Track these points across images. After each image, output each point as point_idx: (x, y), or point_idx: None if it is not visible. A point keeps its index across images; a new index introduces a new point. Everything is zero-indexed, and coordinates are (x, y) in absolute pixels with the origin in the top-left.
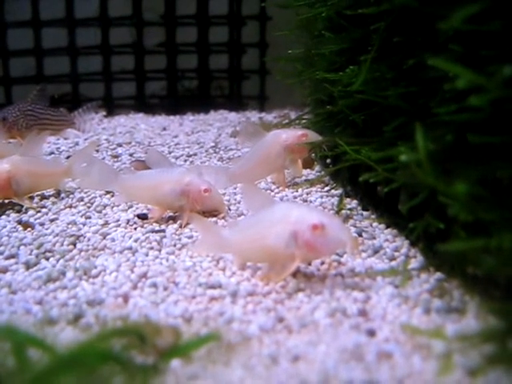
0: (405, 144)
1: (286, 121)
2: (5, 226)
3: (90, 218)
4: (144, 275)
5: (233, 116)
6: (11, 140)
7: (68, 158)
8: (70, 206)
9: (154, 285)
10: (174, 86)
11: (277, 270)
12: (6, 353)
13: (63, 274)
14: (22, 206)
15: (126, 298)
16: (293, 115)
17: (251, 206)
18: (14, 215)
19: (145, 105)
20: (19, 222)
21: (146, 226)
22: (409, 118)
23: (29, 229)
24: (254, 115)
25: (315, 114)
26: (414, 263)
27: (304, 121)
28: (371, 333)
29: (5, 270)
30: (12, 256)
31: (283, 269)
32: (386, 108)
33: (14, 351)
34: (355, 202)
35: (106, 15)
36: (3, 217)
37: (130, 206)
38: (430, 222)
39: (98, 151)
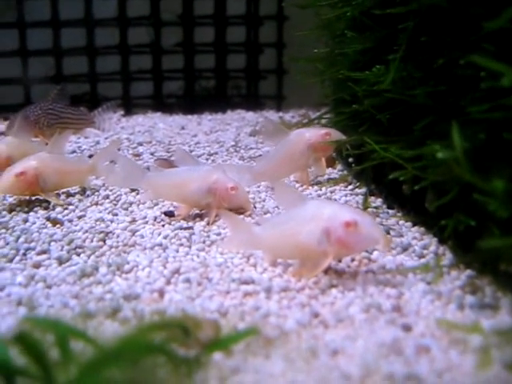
0: (435, 142)
1: (306, 120)
2: (34, 223)
3: (116, 215)
4: (177, 271)
5: (250, 115)
6: (33, 139)
7: (90, 156)
8: (96, 204)
9: (188, 280)
10: (192, 85)
11: (308, 267)
12: (50, 345)
13: (96, 269)
14: (50, 203)
15: (161, 292)
16: (310, 115)
17: (282, 203)
18: (42, 212)
19: (162, 104)
20: (48, 219)
21: (173, 223)
22: (437, 117)
23: (58, 225)
24: (271, 115)
25: (337, 113)
26: (443, 260)
27: (324, 120)
28: (407, 328)
29: (38, 265)
30: (43, 252)
31: (315, 265)
32: (413, 107)
33: (57, 343)
34: (380, 200)
35: (125, 15)
36: (31, 213)
37: (156, 204)
38: (460, 220)
39: (119, 150)
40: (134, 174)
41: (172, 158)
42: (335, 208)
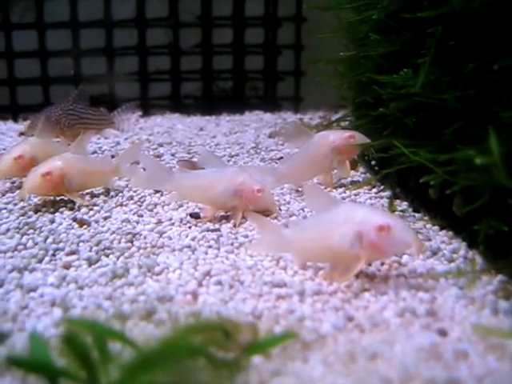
0: (467, 147)
1: (326, 122)
2: (61, 223)
3: (142, 216)
4: (208, 273)
5: (268, 117)
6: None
7: (112, 157)
8: (121, 205)
9: (220, 283)
10: (210, 86)
11: (339, 270)
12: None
13: (127, 270)
14: (75, 204)
15: (194, 295)
16: (330, 117)
17: (314, 206)
18: (67, 212)
19: (180, 105)
20: (74, 220)
21: (199, 224)
22: (468, 122)
23: (85, 226)
24: (289, 116)
25: (358, 116)
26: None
27: (346, 122)
28: (443, 333)
29: (68, 266)
30: (72, 252)
31: (348, 269)
32: (441, 111)
33: (96, 344)
34: (405, 203)
35: (143, 16)
36: (57, 214)
37: (181, 205)
38: (491, 225)
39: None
40: (160, 175)
41: (194, 159)
42: (368, 212)
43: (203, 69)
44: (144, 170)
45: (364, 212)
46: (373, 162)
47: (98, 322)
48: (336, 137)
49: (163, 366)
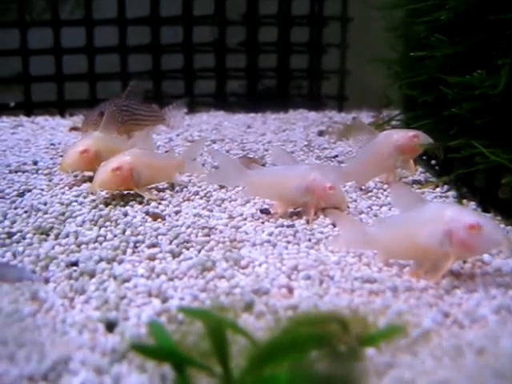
0: None
1: (380, 121)
2: (134, 217)
3: (211, 211)
4: (295, 268)
5: (313, 115)
6: None
7: (166, 152)
8: (188, 199)
9: (309, 277)
10: (254, 84)
11: (426, 268)
12: (200, 337)
13: (214, 263)
14: (143, 198)
15: (289, 288)
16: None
17: (400, 204)
18: (138, 206)
19: (224, 103)
20: (147, 213)
21: (271, 220)
22: None
23: (159, 219)
24: (334, 115)
25: (415, 116)
26: None
27: (397, 122)
28: None
29: (153, 258)
30: (153, 245)
31: (437, 267)
32: None
33: (211, 334)
34: (473, 203)
35: (190, 14)
36: (128, 207)
37: (248, 201)
38: None
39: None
40: (237, 171)
41: (249, 156)
42: (457, 210)
43: (248, 67)
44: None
45: (453, 211)
46: (432, 162)
47: (212, 313)
48: (400, 136)
49: (291, 355)
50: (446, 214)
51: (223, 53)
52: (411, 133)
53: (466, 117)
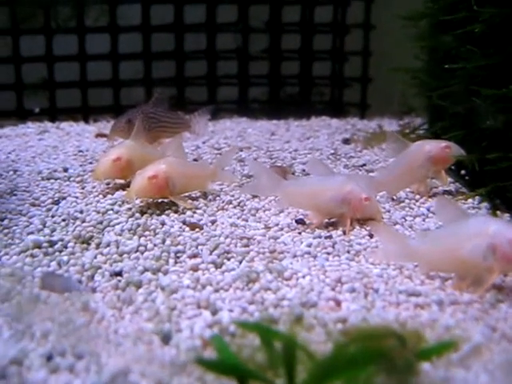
0: None
1: (408, 130)
2: (172, 226)
3: (247, 220)
4: (339, 280)
5: (335, 122)
6: None
7: (195, 160)
8: (222, 209)
9: (353, 290)
10: (277, 91)
11: (469, 281)
12: (255, 349)
13: (258, 274)
14: (178, 207)
15: (337, 301)
16: (386, 124)
17: (444, 217)
18: (174, 215)
19: (247, 109)
20: (184, 223)
21: (307, 231)
22: None
23: (197, 229)
24: (356, 122)
25: (445, 127)
26: None
27: (423, 131)
28: None
29: (196, 269)
30: (194, 255)
31: (481, 280)
32: None
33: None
34: (507, 215)
35: (213, 21)
36: (164, 216)
37: (282, 211)
38: None
39: (220, 155)
40: (273, 182)
41: (278, 164)
42: (501, 225)
43: (271, 74)
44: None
45: (498, 225)
46: (462, 172)
47: (268, 326)
48: (432, 147)
49: (351, 370)
50: (490, 227)
51: (246, 60)
52: (443, 143)
53: (498, 129)
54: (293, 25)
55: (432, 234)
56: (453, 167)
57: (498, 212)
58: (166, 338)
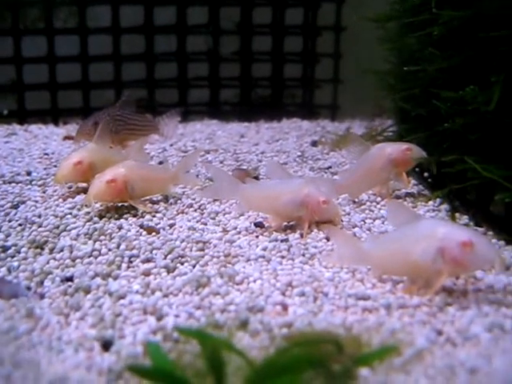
0: None
1: (374, 133)
2: (129, 230)
3: (206, 224)
4: (289, 284)
5: (306, 124)
6: None
7: (161, 163)
8: (182, 212)
9: (303, 294)
10: (248, 93)
11: (419, 284)
12: (195, 356)
13: (208, 279)
14: (138, 210)
15: (284, 305)
16: (356, 126)
17: (395, 221)
18: (132, 219)
19: (218, 111)
20: (141, 226)
21: (265, 234)
22: None
23: (153, 233)
24: (327, 124)
25: (408, 129)
26: None
27: (390, 133)
28: None
29: (148, 273)
30: (148, 260)
31: (430, 283)
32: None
33: (210, 354)
34: (466, 217)
35: (184, 23)
36: (122, 220)
37: (242, 214)
38: None
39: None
40: (229, 185)
41: (243, 167)
42: (451, 228)
43: (242, 76)
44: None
45: (447, 228)
46: (425, 174)
47: (207, 332)
48: (393, 149)
49: (287, 376)
50: (440, 230)
51: (217, 62)
52: (404, 146)
53: (458, 131)
54: (264, 27)
55: (383, 237)
56: (417, 169)
57: (458, 214)
58: (106, 345)
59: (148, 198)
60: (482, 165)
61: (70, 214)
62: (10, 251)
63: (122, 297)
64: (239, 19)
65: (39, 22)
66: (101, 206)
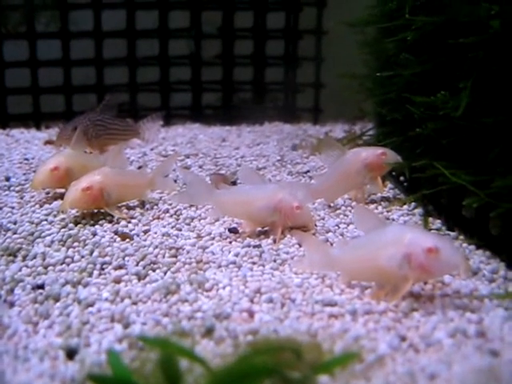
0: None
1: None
2: (103, 236)
3: (181, 230)
4: (258, 290)
5: (288, 128)
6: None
7: (140, 168)
8: (158, 218)
9: (271, 300)
10: (230, 97)
11: (386, 290)
12: (154, 363)
13: (178, 286)
14: (113, 216)
15: (251, 312)
16: (356, 131)
17: (362, 226)
18: (107, 225)
19: (200, 115)
20: (116, 233)
21: (239, 240)
22: (508, 145)
23: (127, 239)
24: (309, 128)
25: (385, 133)
26: None
27: (369, 137)
28: (495, 354)
29: (119, 281)
30: (120, 267)
31: (396, 289)
32: (479, 133)
33: (163, 362)
34: (439, 221)
35: (166, 27)
36: (97, 226)
37: (217, 220)
38: None
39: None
40: (204, 191)
41: (221, 172)
42: (416, 233)
43: (224, 79)
44: (184, 185)
45: (413, 234)
46: (401, 178)
47: (170, 340)
48: (368, 154)
49: None
50: (406, 236)
51: (199, 66)
52: (379, 150)
53: (431, 136)
54: (245, 30)
55: (352, 243)
56: (393, 173)
57: (431, 218)
58: (71, 353)
59: (124, 203)
60: (452, 170)
61: (46, 220)
62: None
63: (91, 304)
64: (221, 23)
65: (21, 26)
66: (77, 212)
